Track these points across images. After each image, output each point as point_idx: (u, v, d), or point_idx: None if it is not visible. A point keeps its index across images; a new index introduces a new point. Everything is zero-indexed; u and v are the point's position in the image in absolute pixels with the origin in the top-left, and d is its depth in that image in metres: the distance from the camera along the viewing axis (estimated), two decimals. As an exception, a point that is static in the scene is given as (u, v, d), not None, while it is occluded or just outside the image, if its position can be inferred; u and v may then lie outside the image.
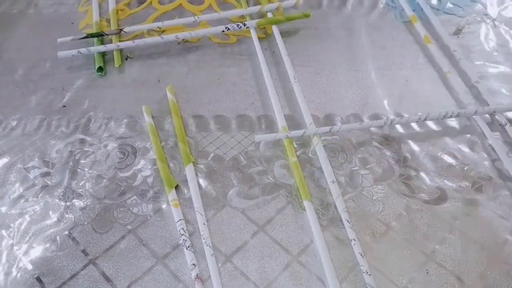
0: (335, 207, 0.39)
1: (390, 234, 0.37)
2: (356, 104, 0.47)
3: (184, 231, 0.37)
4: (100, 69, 0.51)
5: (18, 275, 0.36)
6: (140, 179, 0.42)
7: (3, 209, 0.40)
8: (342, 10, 0.59)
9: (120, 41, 0.54)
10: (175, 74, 0.51)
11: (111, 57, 0.53)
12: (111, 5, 0.59)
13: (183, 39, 0.54)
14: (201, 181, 0.41)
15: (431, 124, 0.45)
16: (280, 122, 0.44)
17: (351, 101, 0.48)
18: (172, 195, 0.40)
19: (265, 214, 0.39)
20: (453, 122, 0.45)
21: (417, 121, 0.44)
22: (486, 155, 0.43)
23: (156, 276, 0.35)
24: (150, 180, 0.41)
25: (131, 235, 0.38)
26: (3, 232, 0.38)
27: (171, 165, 0.42)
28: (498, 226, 0.38)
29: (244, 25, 0.53)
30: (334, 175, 0.40)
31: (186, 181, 0.41)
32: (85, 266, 0.36)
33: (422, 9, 0.57)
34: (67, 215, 0.39)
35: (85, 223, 0.39)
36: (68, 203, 0.40)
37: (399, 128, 0.45)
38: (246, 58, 0.53)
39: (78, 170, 0.42)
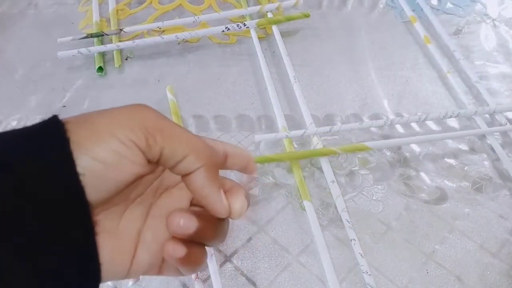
0: (335, 207, 0.39)
1: (390, 234, 0.37)
2: (356, 104, 0.47)
3: (184, 231, 0.37)
4: (100, 69, 0.51)
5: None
6: (140, 179, 0.41)
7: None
8: (342, 10, 0.59)
9: (120, 41, 0.54)
10: (175, 74, 0.51)
11: (111, 57, 0.53)
12: (111, 5, 0.59)
13: (183, 39, 0.54)
14: (201, 181, 0.41)
15: (431, 124, 0.45)
16: (280, 122, 0.44)
17: (351, 101, 0.48)
18: (172, 195, 0.40)
19: (265, 214, 0.39)
20: (453, 122, 0.45)
21: (417, 121, 0.44)
22: (486, 155, 0.43)
23: (156, 276, 0.35)
24: (150, 180, 0.41)
25: (131, 235, 0.38)
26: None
27: (171, 165, 0.42)
28: (498, 226, 0.38)
29: (244, 25, 0.53)
30: (334, 175, 0.40)
31: (186, 181, 0.41)
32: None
33: (422, 9, 0.57)
34: (67, 215, 0.39)
35: (85, 223, 0.39)
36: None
37: (399, 128, 0.45)
38: (246, 58, 0.53)
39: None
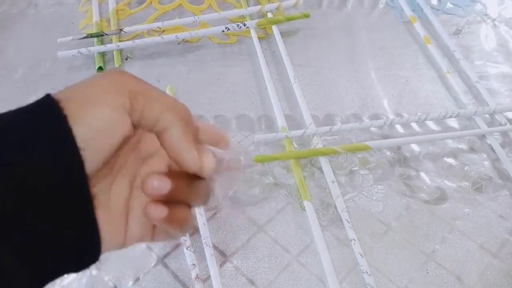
0: (335, 207, 0.39)
1: (390, 234, 0.37)
2: (356, 104, 0.47)
3: (184, 231, 0.37)
4: (100, 69, 0.51)
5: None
6: (140, 179, 0.42)
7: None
8: (342, 10, 0.59)
9: (120, 41, 0.54)
10: (175, 74, 0.51)
11: (111, 57, 0.53)
12: (111, 5, 0.59)
13: (183, 39, 0.54)
14: (201, 181, 0.41)
15: (431, 124, 0.45)
16: (280, 122, 0.44)
17: (351, 101, 0.48)
18: (172, 195, 0.40)
19: (265, 214, 0.39)
20: (453, 122, 0.45)
21: (417, 121, 0.44)
22: (486, 155, 0.43)
23: (156, 276, 0.35)
24: (150, 180, 0.41)
25: (131, 235, 0.38)
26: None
27: (171, 165, 0.42)
28: (498, 226, 0.38)
29: (244, 25, 0.53)
30: (334, 175, 0.40)
31: (186, 181, 0.41)
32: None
33: (422, 9, 0.57)
34: (67, 215, 0.39)
35: (85, 223, 0.39)
36: (68, 203, 0.40)
37: (399, 128, 0.45)
38: (246, 58, 0.53)
39: (78, 170, 0.42)
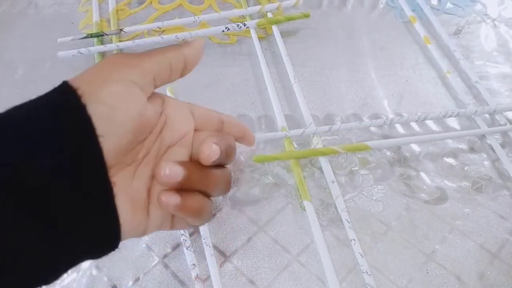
0: (335, 207, 0.39)
1: (390, 234, 0.37)
2: (356, 104, 0.47)
3: (184, 231, 0.37)
4: (100, 69, 0.51)
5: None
6: (140, 179, 0.41)
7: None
8: (342, 10, 0.59)
9: (120, 41, 0.54)
10: (175, 74, 0.51)
11: (111, 57, 0.53)
12: (111, 5, 0.59)
13: (183, 39, 0.54)
14: (201, 181, 0.41)
15: (431, 124, 0.45)
16: (280, 122, 0.44)
17: (351, 101, 0.48)
18: (172, 195, 0.40)
19: (265, 214, 0.39)
20: (453, 122, 0.45)
21: (417, 121, 0.44)
22: (486, 155, 0.43)
23: (156, 275, 0.35)
24: (150, 180, 0.41)
25: (131, 235, 0.38)
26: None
27: (171, 165, 0.42)
28: (498, 226, 0.38)
29: (244, 25, 0.53)
30: (334, 175, 0.40)
31: (186, 181, 0.41)
32: (87, 268, 0.36)
33: (422, 9, 0.57)
34: (67, 215, 0.39)
35: (85, 223, 0.39)
36: (68, 203, 0.40)
37: (399, 128, 0.45)
38: (246, 58, 0.53)
39: (78, 170, 0.42)
